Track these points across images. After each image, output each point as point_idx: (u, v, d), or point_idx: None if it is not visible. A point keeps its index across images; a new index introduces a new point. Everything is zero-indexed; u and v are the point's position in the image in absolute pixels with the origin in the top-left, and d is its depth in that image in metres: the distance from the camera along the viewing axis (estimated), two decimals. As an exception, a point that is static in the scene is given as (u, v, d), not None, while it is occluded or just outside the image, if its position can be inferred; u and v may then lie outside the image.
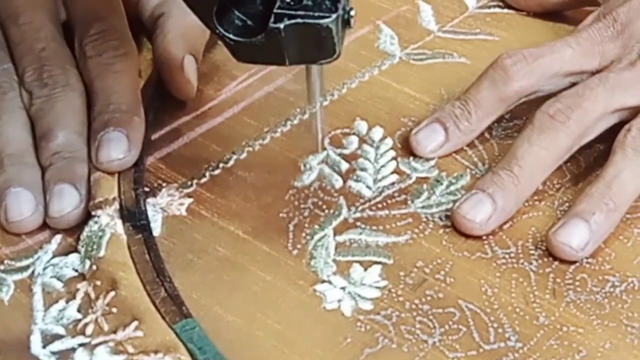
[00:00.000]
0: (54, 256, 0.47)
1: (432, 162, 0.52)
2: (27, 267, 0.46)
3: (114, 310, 0.43)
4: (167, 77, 0.55)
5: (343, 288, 0.45)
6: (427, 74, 0.59)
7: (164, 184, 0.51)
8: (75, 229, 0.48)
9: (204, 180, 0.51)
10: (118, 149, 0.49)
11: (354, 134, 0.54)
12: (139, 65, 0.54)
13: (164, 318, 0.42)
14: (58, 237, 0.48)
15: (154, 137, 0.54)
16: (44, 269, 0.46)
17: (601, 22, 0.53)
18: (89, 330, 0.42)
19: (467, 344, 0.43)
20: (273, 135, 0.54)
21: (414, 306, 0.45)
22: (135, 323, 0.42)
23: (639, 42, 0.52)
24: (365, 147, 0.53)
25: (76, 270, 0.46)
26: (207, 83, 0.58)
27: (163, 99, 0.55)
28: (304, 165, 0.52)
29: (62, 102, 0.51)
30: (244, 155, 0.53)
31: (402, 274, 0.46)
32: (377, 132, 0.54)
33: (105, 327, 0.42)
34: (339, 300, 0.45)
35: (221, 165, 0.52)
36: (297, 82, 0.57)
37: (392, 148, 0.53)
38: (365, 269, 0.46)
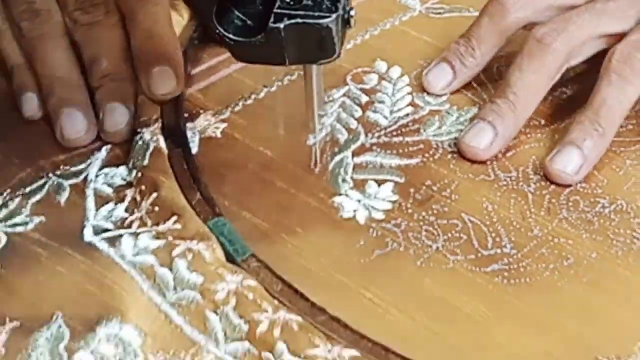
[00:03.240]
0: (104, 165, 0.52)
1: (444, 97, 0.57)
2: (81, 172, 0.52)
3: (156, 208, 0.48)
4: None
5: (358, 200, 0.51)
6: (444, 25, 0.64)
7: (202, 111, 0.56)
8: (122, 143, 0.54)
9: (237, 108, 0.57)
10: (169, 83, 0.54)
11: (374, 72, 0.59)
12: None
13: (198, 216, 0.48)
14: (108, 146, 0.54)
15: (193, 72, 0.59)
16: (97, 176, 0.52)
17: None
18: (135, 225, 0.48)
19: (467, 249, 0.48)
20: (300, 72, 0.59)
21: (421, 217, 0.50)
22: (174, 217, 0.47)
23: None
24: (384, 83, 0.58)
25: (125, 180, 0.51)
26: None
27: (201, 39, 0.61)
28: (328, 97, 0.57)
29: (106, 28, 0.55)
30: (274, 88, 0.58)
31: (412, 191, 0.51)
32: (396, 71, 0.59)
33: (149, 223, 0.48)
34: (354, 210, 0.50)
35: (253, 96, 0.58)
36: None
37: (408, 84, 0.58)
38: (379, 185, 0.51)
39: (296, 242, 0.48)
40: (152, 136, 0.53)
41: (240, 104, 0.57)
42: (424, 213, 0.50)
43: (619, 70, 0.52)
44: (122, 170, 0.52)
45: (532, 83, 0.53)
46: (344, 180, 0.52)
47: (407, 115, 0.56)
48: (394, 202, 0.51)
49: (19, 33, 0.55)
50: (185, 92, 0.57)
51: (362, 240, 0.49)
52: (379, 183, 0.52)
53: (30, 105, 0.55)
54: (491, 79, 0.58)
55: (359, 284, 0.46)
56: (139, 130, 0.53)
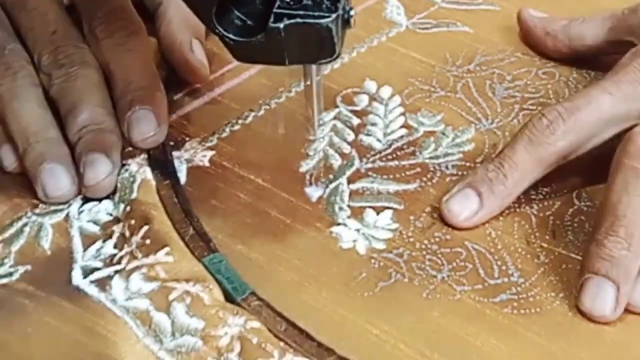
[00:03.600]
0: (85, 200, 0.50)
1: (439, 117, 0.55)
2: (62, 209, 0.50)
3: (147, 241, 0.46)
4: (178, 62, 0.56)
5: (357, 230, 0.49)
6: (432, 40, 0.62)
7: (187, 138, 0.54)
8: None
9: (224, 134, 0.54)
10: (148, 127, 0.51)
11: (364, 92, 0.57)
12: (149, 41, 0.56)
13: (192, 253, 0.45)
14: None
15: (175, 97, 0.57)
16: (79, 213, 0.49)
17: None
18: (124, 261, 0.46)
19: (473, 278, 0.46)
20: (288, 94, 0.57)
21: (423, 246, 0.48)
22: (166, 249, 0.45)
23: None
24: (375, 104, 0.56)
25: (110, 214, 0.49)
26: (222, 48, 0.60)
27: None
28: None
29: (82, 79, 0.52)
30: (261, 112, 0.56)
31: (412, 218, 0.49)
32: (386, 91, 0.57)
33: (139, 256, 0.45)
34: (354, 241, 0.48)
35: (240, 121, 0.55)
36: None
37: (400, 105, 0.56)
38: (378, 213, 0.50)
39: (295, 277, 0.46)
40: (139, 168, 0.50)
41: (227, 129, 0.55)
42: (426, 241, 0.48)
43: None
44: (106, 204, 0.50)
45: (527, 171, 0.49)
46: (340, 209, 0.50)
47: (402, 137, 0.54)
48: (394, 230, 0.49)
49: None
50: (169, 118, 0.55)
51: (364, 271, 0.47)
52: (377, 210, 0.50)
53: (10, 158, 0.51)
54: (485, 97, 0.57)
55: (365, 320, 0.44)
56: (124, 162, 0.51)
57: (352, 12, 0.43)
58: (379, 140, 0.54)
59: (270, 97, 0.57)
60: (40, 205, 0.50)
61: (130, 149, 0.51)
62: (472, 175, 0.49)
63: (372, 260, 0.47)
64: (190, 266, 0.44)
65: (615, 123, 0.48)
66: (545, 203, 0.50)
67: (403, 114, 0.56)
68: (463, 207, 0.49)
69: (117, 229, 0.48)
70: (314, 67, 0.46)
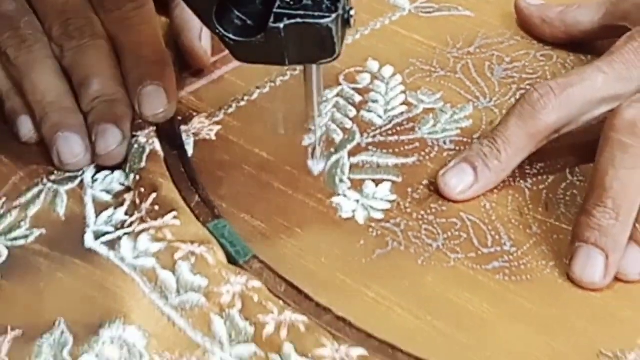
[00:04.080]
0: (98, 169, 0.52)
1: (438, 95, 0.57)
2: (76, 177, 0.52)
3: (156, 207, 0.48)
4: (183, 46, 0.58)
5: (357, 201, 0.50)
6: (434, 24, 0.64)
7: (195, 114, 0.56)
8: None
9: (230, 110, 0.56)
10: (159, 102, 0.53)
11: (366, 71, 0.59)
12: (156, 15, 0.56)
13: (198, 218, 0.47)
14: None
15: (184, 74, 0.59)
16: (93, 181, 0.51)
17: (637, 42, 0.50)
18: (135, 225, 0.48)
19: (467, 247, 0.48)
20: (293, 73, 0.59)
21: (420, 216, 0.50)
22: (173, 213, 0.47)
23: None
24: (377, 82, 0.58)
25: (122, 184, 0.51)
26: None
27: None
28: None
29: (92, 51, 0.53)
30: (266, 89, 0.58)
31: (410, 190, 0.51)
32: (388, 70, 0.59)
33: (148, 220, 0.47)
34: (353, 211, 0.50)
35: (246, 98, 0.57)
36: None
37: (401, 83, 0.58)
38: (377, 185, 0.51)
39: (296, 243, 0.48)
40: (148, 139, 0.52)
41: (234, 105, 0.57)
42: (422, 212, 0.50)
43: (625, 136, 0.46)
44: (118, 174, 0.52)
45: (520, 146, 0.50)
46: (341, 181, 0.52)
47: (402, 114, 0.56)
48: (392, 201, 0.51)
49: (6, 60, 0.54)
50: (178, 94, 0.57)
51: (363, 240, 0.48)
52: (377, 183, 0.52)
53: (26, 128, 0.53)
54: (484, 77, 0.59)
55: (362, 283, 0.46)
56: (134, 133, 0.53)
57: (352, 12, 0.44)
58: (379, 117, 0.56)
59: (275, 75, 0.59)
60: (56, 172, 0.52)
61: (140, 121, 0.53)
62: (467, 151, 0.51)
63: (370, 229, 0.49)
64: (196, 229, 0.46)
65: (607, 102, 0.50)
66: (539, 177, 0.52)
67: (404, 92, 0.57)
68: (459, 180, 0.50)
69: (128, 197, 0.50)
70: (314, 67, 0.46)
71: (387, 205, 0.50)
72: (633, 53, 0.50)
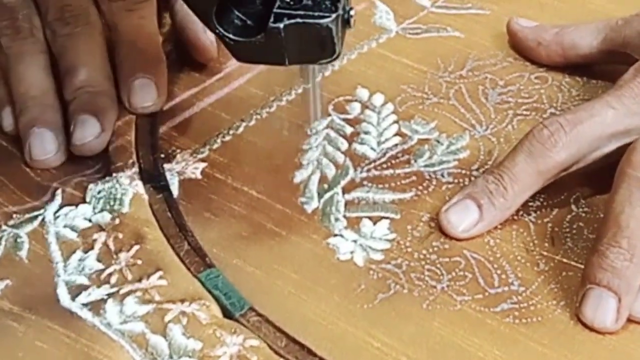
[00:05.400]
0: (61, 207, 0.49)
1: (433, 125, 0.55)
2: (36, 217, 0.49)
3: (139, 262, 0.45)
4: (189, 39, 0.57)
5: (354, 241, 0.48)
6: (423, 46, 0.61)
7: (178, 150, 0.53)
8: (79, 185, 0.50)
9: (216, 145, 0.53)
10: (149, 95, 0.53)
11: (356, 100, 0.56)
12: (156, 12, 0.56)
13: (188, 268, 0.45)
14: (59, 192, 0.50)
15: (165, 107, 0.56)
16: (55, 218, 0.48)
17: None
18: (114, 279, 0.45)
19: (474, 288, 0.46)
20: (279, 103, 0.56)
21: (422, 256, 0.47)
22: (159, 272, 0.44)
23: None
24: (368, 112, 0.56)
25: (89, 220, 0.48)
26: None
27: (171, 72, 0.57)
28: (310, 130, 0.54)
29: (84, 39, 0.53)
30: (252, 122, 0.55)
31: (410, 228, 0.49)
32: (378, 98, 0.56)
33: (130, 277, 0.45)
34: (351, 252, 0.47)
35: (231, 132, 0.54)
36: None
37: (393, 112, 0.55)
38: (375, 223, 0.49)
39: (294, 290, 0.45)
40: (131, 181, 0.49)
41: (219, 140, 0.54)
42: (424, 251, 0.47)
43: None
44: (84, 209, 0.49)
45: (527, 183, 0.48)
46: (336, 219, 0.49)
47: (396, 145, 0.53)
48: (391, 240, 0.48)
49: None
50: (159, 129, 0.54)
51: (363, 283, 0.46)
52: (374, 220, 0.49)
53: (8, 120, 0.53)
54: (479, 103, 0.56)
55: (365, 332, 0.43)
56: (115, 174, 0.50)
57: (352, 12, 0.43)
58: (373, 149, 0.53)
59: (261, 106, 0.56)
60: (14, 215, 0.49)
61: (121, 163, 0.50)
62: (472, 186, 0.48)
63: (371, 272, 0.46)
64: (186, 285, 0.44)
65: (617, 138, 0.48)
66: (543, 210, 0.50)
67: (396, 121, 0.55)
68: (462, 218, 0.48)
69: (98, 238, 0.47)
70: (314, 67, 0.46)
71: (387, 245, 0.48)
72: None
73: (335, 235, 0.48)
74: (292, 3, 0.42)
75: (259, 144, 0.54)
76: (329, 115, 0.55)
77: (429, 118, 0.55)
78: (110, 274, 0.45)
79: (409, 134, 0.54)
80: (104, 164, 0.52)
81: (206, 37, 0.57)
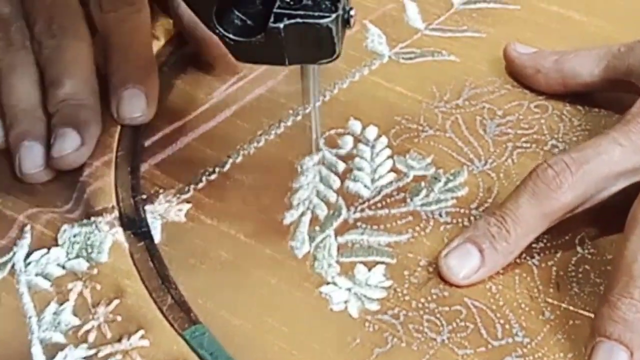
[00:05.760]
0: (31, 250, 0.47)
1: (429, 160, 0.52)
2: (6, 262, 0.46)
3: (118, 318, 0.42)
4: (205, 36, 0.55)
5: (349, 289, 0.45)
6: (417, 72, 0.59)
7: (161, 191, 0.50)
8: (51, 223, 0.48)
9: (201, 185, 0.51)
10: (138, 106, 0.53)
11: (348, 133, 0.54)
12: (150, 23, 0.55)
13: (172, 325, 0.42)
14: (28, 230, 0.48)
15: (147, 143, 0.53)
16: (26, 265, 0.46)
17: None
18: (91, 337, 0.42)
19: (476, 340, 0.43)
20: (267, 137, 0.54)
21: (420, 305, 0.45)
22: (141, 332, 0.42)
23: None
24: (361, 146, 0.53)
25: (62, 267, 0.46)
26: (197, 87, 0.57)
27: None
28: (301, 167, 0.51)
29: (71, 52, 0.52)
30: (239, 158, 0.52)
31: (407, 273, 0.46)
32: (372, 131, 0.54)
33: (109, 335, 0.42)
34: (345, 302, 0.45)
35: (217, 169, 0.52)
36: (288, 84, 0.57)
37: (387, 146, 0.53)
38: (369, 269, 0.46)
39: (285, 346, 0.43)
40: (110, 227, 0.46)
41: (204, 179, 0.51)
42: (422, 300, 0.45)
43: None
44: (56, 253, 0.46)
45: (531, 226, 0.45)
46: (329, 265, 0.46)
47: (391, 183, 0.51)
48: (387, 288, 0.45)
49: None
50: (140, 167, 0.51)
51: (358, 337, 0.43)
52: (369, 266, 0.46)
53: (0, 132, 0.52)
54: (477, 135, 0.54)
55: (362, 392, 0.41)
56: (92, 219, 0.47)
57: (352, 12, 0.43)
58: (366, 187, 0.50)
59: (248, 140, 0.53)
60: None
61: (100, 208, 0.47)
62: (472, 229, 0.46)
63: (366, 324, 0.44)
64: (169, 345, 0.41)
65: (625, 176, 0.45)
66: (547, 252, 0.47)
67: (391, 156, 0.52)
68: (463, 263, 0.45)
69: (74, 288, 0.44)
70: (310, 67, 0.46)
71: (383, 294, 0.45)
72: None
73: (328, 283, 0.46)
74: (292, 3, 0.42)
75: (246, 183, 0.51)
76: (320, 150, 0.52)
77: (425, 152, 0.52)
78: (88, 331, 0.42)
79: (405, 170, 0.51)
80: (76, 201, 0.49)
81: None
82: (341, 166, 0.52)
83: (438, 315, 0.44)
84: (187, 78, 0.57)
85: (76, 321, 0.43)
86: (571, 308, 0.45)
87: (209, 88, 0.57)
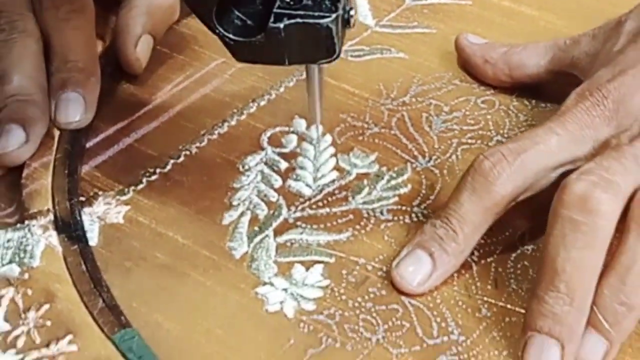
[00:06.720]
0: None
1: (373, 157, 0.51)
2: None
3: (48, 323, 0.42)
4: (119, 50, 0.56)
5: (285, 289, 0.45)
6: (365, 70, 0.58)
7: (100, 193, 0.50)
8: None
9: (140, 186, 0.50)
10: (75, 111, 0.52)
11: (292, 132, 0.53)
12: (94, 22, 0.55)
13: (102, 329, 0.41)
14: None
15: (88, 145, 0.53)
16: None
17: (588, 101, 0.45)
18: (20, 343, 0.41)
19: (411, 339, 0.43)
20: (210, 137, 0.53)
21: (357, 304, 0.44)
22: (69, 337, 0.41)
23: (638, 119, 0.45)
24: (305, 144, 0.52)
25: None
26: (141, 87, 0.57)
27: (97, 105, 0.54)
28: (242, 167, 0.51)
29: (19, 47, 0.52)
30: (181, 159, 0.52)
31: (345, 272, 0.46)
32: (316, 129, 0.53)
33: (38, 340, 0.41)
34: (281, 302, 0.44)
35: (158, 170, 0.51)
36: (233, 83, 0.56)
37: (331, 144, 0.52)
38: (307, 269, 0.46)
39: (218, 348, 0.42)
40: (44, 231, 0.46)
41: (144, 180, 0.50)
42: (359, 299, 0.44)
43: None
44: None
45: (476, 223, 0.44)
46: (267, 266, 0.46)
47: (333, 181, 0.50)
48: (325, 287, 0.45)
49: None
50: (80, 169, 0.51)
51: (292, 337, 0.43)
52: (307, 266, 0.46)
53: None
54: (422, 131, 0.53)
55: (294, 394, 0.40)
56: (26, 222, 0.46)
57: (352, 12, 0.43)
58: (308, 186, 0.50)
59: (191, 140, 0.53)
60: None
61: (35, 211, 0.47)
62: (420, 235, 0.45)
63: (301, 324, 0.43)
64: (97, 349, 0.40)
65: (562, 165, 0.45)
66: (487, 249, 0.47)
67: (334, 155, 0.52)
68: (415, 270, 0.44)
69: (6, 294, 0.44)
70: (314, 66, 0.45)
71: (319, 293, 0.45)
72: (585, 113, 0.45)
73: (265, 283, 0.45)
74: (292, 3, 0.42)
75: (187, 183, 0.50)
76: (263, 149, 0.52)
77: (369, 150, 0.52)
78: (17, 337, 0.42)
79: (347, 169, 0.51)
80: (17, 207, 0.48)
81: (132, 53, 0.56)
82: (284, 165, 0.51)
83: (374, 315, 0.44)
84: (132, 78, 0.57)
85: (7, 327, 0.42)
86: (508, 306, 0.44)
87: (153, 88, 0.56)
